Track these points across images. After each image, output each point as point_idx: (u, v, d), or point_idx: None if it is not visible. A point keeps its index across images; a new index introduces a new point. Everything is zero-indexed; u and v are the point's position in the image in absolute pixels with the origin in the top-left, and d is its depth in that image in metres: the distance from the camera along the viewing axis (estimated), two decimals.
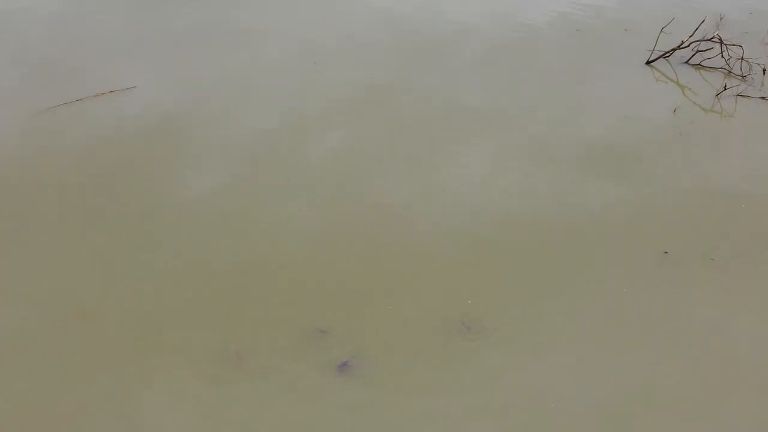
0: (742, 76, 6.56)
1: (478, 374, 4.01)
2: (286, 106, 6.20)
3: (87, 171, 5.43)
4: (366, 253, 4.74)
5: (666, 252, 4.73)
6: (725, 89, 6.32)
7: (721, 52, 6.68)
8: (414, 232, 4.90)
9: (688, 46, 6.82)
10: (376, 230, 4.91)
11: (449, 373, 4.02)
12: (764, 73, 6.59)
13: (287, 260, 4.68)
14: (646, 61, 6.84)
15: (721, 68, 6.69)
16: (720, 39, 6.67)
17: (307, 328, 4.24)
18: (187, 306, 4.38)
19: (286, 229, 4.93)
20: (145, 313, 4.32)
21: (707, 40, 6.76)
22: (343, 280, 4.54)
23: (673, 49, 6.81)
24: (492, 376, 4.00)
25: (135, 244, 4.78)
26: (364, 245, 4.80)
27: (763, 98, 6.28)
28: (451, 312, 4.33)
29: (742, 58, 6.59)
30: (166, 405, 3.89)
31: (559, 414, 3.82)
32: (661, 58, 6.84)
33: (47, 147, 5.70)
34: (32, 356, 4.10)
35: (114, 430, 3.76)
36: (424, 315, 4.33)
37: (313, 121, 6.02)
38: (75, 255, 4.73)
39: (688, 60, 6.81)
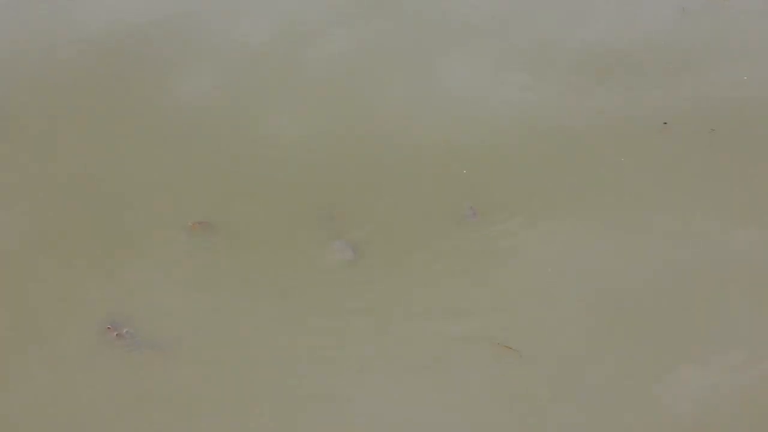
0: None
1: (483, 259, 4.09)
2: (283, 14, 6.10)
3: (83, 69, 5.42)
4: (367, 150, 4.77)
5: (665, 123, 4.75)
6: None
7: None
8: (415, 132, 4.90)
9: None
10: (377, 130, 4.92)
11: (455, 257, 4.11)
12: None
13: (288, 153, 4.72)
14: None
15: None
16: None
17: (313, 211, 4.32)
18: (179, 185, 4.48)
19: (286, 126, 4.94)
20: (148, 188, 4.45)
21: None
22: (345, 172, 4.60)
23: None
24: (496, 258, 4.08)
25: (134, 141, 4.80)
26: (363, 144, 4.82)
27: None
28: (455, 201, 4.38)
29: None
30: (155, 264, 4.03)
31: (564, 299, 3.88)
32: None
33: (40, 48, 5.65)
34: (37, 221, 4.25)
35: (103, 288, 3.89)
36: (425, 204, 4.40)
37: (311, 26, 5.94)
38: (77, 141, 4.79)
39: None
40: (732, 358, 3.55)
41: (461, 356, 3.57)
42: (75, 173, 4.55)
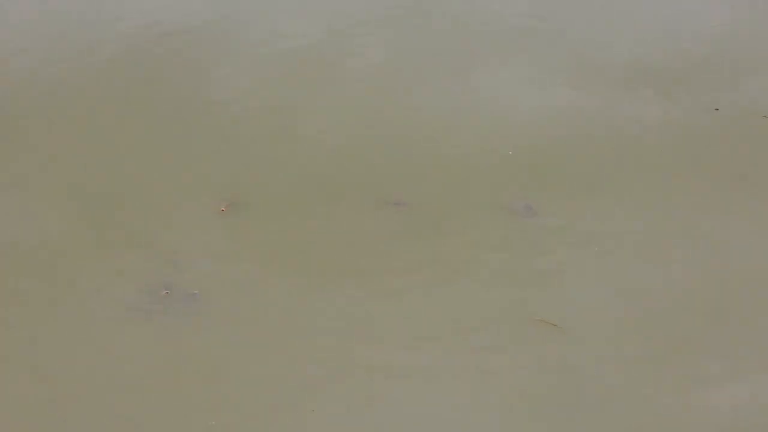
0: None
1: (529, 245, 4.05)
2: (325, 16, 6.17)
3: (122, 68, 5.47)
4: (409, 147, 4.74)
5: (717, 109, 4.74)
6: None
7: None
8: (456, 138, 4.84)
9: None
10: (418, 132, 4.87)
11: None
12: None
13: (328, 148, 4.71)
14: None
15: None
16: None
17: (354, 196, 4.33)
18: (214, 173, 4.49)
19: (326, 124, 4.92)
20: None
21: None
22: (386, 169, 4.58)
23: None
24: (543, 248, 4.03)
25: (174, 134, 4.85)
26: (405, 142, 4.79)
27: None
28: (502, 197, 4.35)
29: None
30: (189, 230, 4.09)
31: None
32: None
33: (82, 41, 5.76)
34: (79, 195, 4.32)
35: (143, 252, 3.95)
36: (471, 199, 4.37)
37: (351, 30, 5.95)
38: (116, 136, 4.84)
39: None
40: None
41: (501, 339, 3.53)
42: (115, 163, 4.60)
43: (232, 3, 6.29)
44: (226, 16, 6.09)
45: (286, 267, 3.90)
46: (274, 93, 5.27)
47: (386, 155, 4.68)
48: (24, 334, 3.53)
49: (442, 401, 3.28)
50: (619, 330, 3.56)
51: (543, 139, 4.78)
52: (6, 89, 5.25)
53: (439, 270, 3.86)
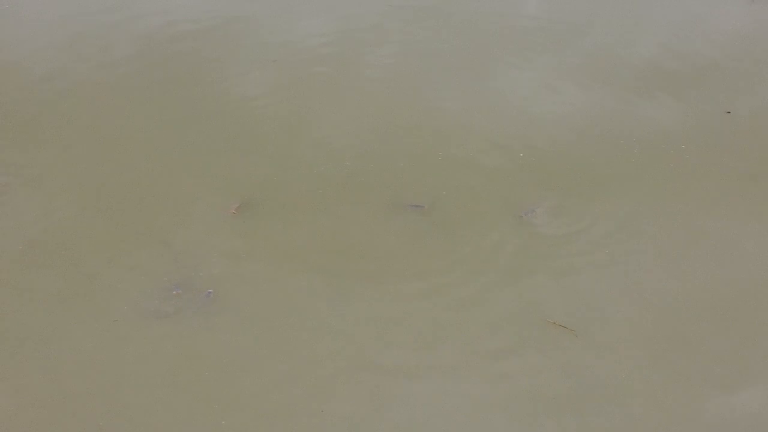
0: None
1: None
2: (340, 14, 6.21)
3: (138, 69, 5.60)
4: (424, 148, 4.81)
5: (729, 112, 4.75)
6: None
7: None
8: (469, 136, 4.93)
9: None
10: (431, 131, 4.96)
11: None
12: None
13: (340, 147, 4.79)
14: None
15: None
16: None
17: (368, 195, 4.38)
18: (229, 172, 4.55)
19: (339, 124, 5.02)
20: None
21: None
22: (401, 166, 4.65)
23: None
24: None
25: (189, 134, 4.94)
26: (419, 143, 4.86)
27: None
28: (512, 199, 4.41)
29: None
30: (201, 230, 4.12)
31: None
32: None
33: (108, 44, 5.89)
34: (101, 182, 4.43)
35: (156, 250, 4.02)
36: (480, 202, 4.44)
37: (367, 31, 6.04)
38: (142, 126, 4.99)
39: None
40: None
41: (513, 342, 3.56)
42: (131, 163, 4.71)
43: (249, 5, 6.33)
44: (241, 19, 6.13)
45: (298, 267, 3.93)
46: (288, 95, 5.31)
47: (400, 157, 4.71)
48: (37, 330, 3.59)
49: (453, 402, 3.30)
50: (632, 332, 3.58)
51: (556, 142, 4.80)
52: (25, 90, 5.31)
53: (452, 272, 3.89)
